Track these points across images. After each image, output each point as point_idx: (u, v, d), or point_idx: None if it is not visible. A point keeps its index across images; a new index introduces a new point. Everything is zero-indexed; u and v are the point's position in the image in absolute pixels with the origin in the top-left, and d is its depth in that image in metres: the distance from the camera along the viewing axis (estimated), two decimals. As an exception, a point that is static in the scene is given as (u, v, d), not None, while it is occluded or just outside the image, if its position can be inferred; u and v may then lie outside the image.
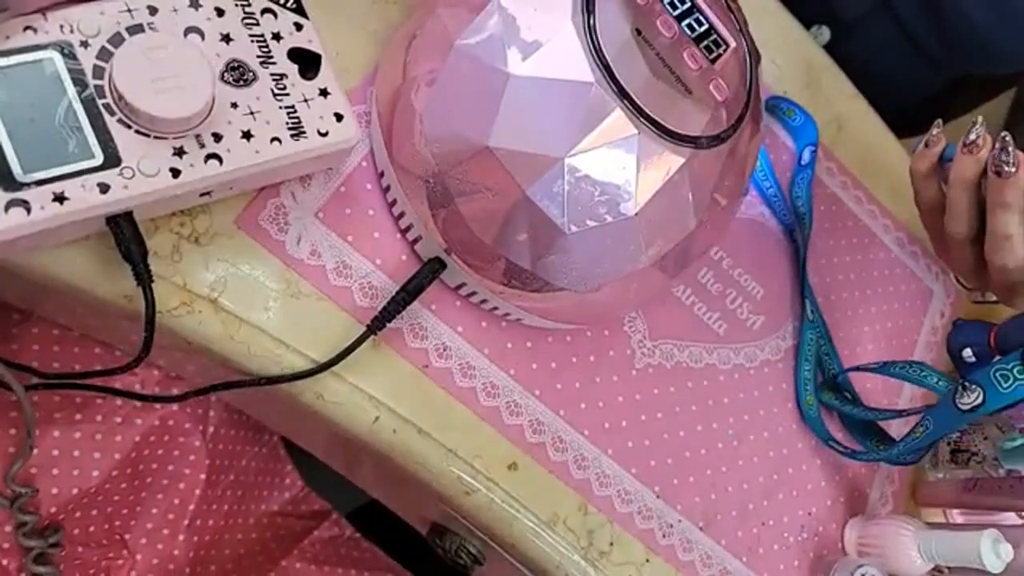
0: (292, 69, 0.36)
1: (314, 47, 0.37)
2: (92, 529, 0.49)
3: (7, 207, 0.30)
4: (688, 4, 0.37)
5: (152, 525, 0.52)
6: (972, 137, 0.45)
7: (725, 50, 0.38)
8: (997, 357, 0.46)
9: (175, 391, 0.49)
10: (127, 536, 0.51)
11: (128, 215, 0.33)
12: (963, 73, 0.83)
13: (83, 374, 0.39)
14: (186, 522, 0.53)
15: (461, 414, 0.42)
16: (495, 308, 0.43)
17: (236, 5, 0.36)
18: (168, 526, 0.53)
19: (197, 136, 0.33)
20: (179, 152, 0.33)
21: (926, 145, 0.50)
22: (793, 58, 0.65)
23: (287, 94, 0.36)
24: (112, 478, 0.49)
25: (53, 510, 0.47)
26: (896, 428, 0.58)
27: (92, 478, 0.48)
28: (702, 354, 0.52)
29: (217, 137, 0.34)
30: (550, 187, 0.35)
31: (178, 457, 0.52)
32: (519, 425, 0.44)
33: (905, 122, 0.74)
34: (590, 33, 0.34)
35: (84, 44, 0.32)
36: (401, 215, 0.41)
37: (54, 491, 0.47)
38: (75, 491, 0.47)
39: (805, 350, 0.56)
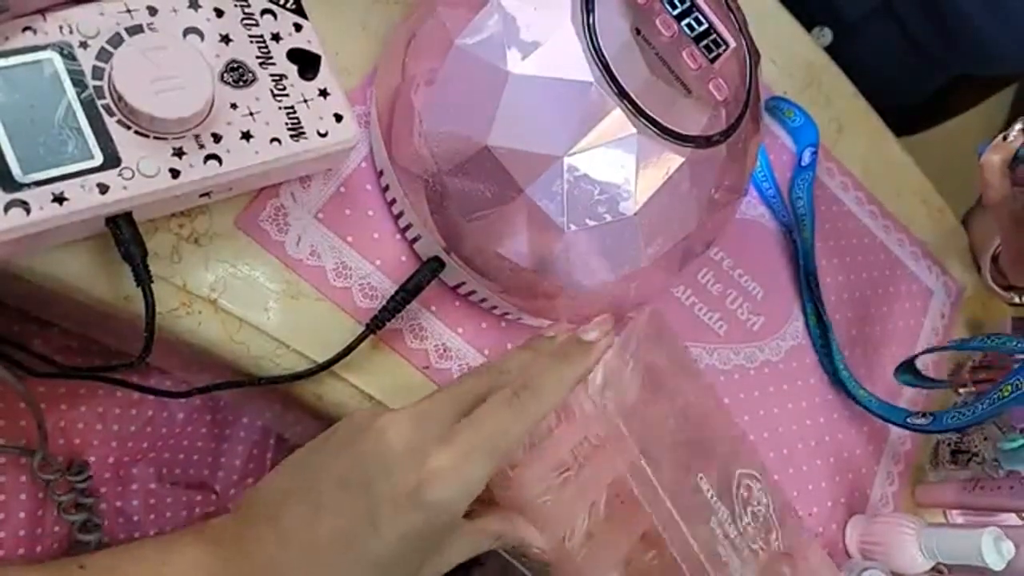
0: (291, 70, 0.36)
1: (313, 48, 0.37)
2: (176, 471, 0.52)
3: (7, 208, 0.30)
4: (688, 3, 0.37)
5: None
6: None
7: (725, 50, 0.38)
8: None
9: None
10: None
11: (127, 216, 0.33)
12: (963, 73, 0.83)
13: (89, 368, 0.40)
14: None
15: (461, 414, 0.42)
16: (495, 307, 0.43)
17: (235, 6, 0.36)
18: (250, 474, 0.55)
19: (196, 137, 0.33)
20: (178, 153, 0.33)
21: (1004, 138, 0.50)
22: (793, 58, 0.65)
23: (286, 95, 0.36)
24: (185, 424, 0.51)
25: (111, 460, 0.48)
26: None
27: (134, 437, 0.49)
28: (702, 354, 0.52)
29: (216, 138, 0.34)
30: (549, 186, 0.35)
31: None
32: (519, 425, 0.44)
33: (905, 122, 0.74)
34: (589, 32, 0.34)
35: (83, 45, 0.32)
36: (400, 215, 0.41)
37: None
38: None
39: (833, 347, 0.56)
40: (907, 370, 0.57)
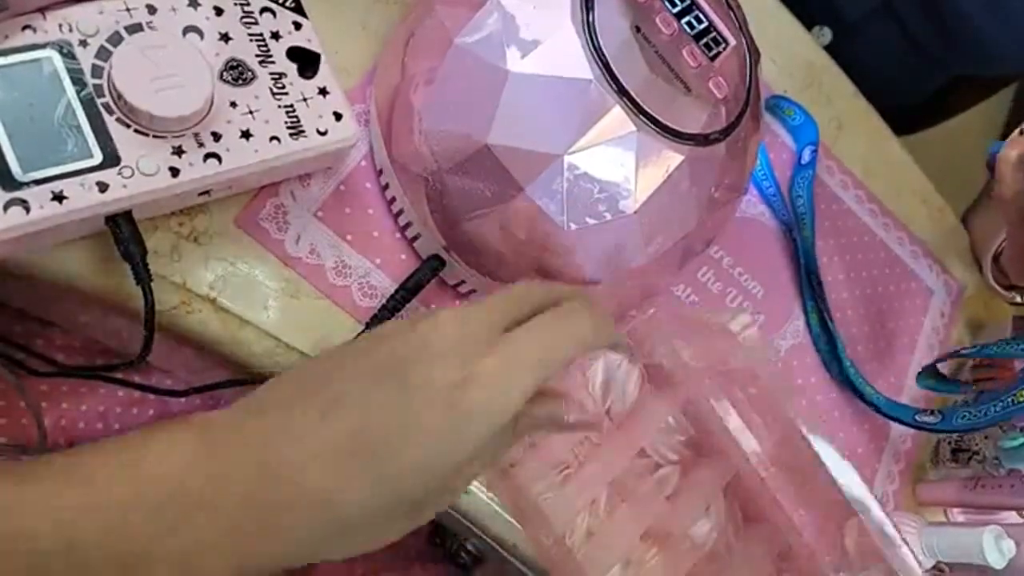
0: (291, 68, 0.36)
1: (313, 46, 0.37)
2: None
3: (6, 206, 0.30)
4: (688, 2, 0.37)
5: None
6: None
7: (724, 48, 0.38)
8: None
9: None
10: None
11: (127, 214, 0.33)
12: (963, 73, 0.83)
13: (89, 368, 0.40)
14: None
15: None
16: (495, 306, 0.42)
17: (235, 4, 0.36)
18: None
19: (196, 135, 0.33)
20: (178, 151, 0.33)
21: (1020, 133, 0.49)
22: (793, 57, 0.65)
23: (286, 93, 0.36)
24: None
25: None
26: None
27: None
28: (701, 354, 0.52)
29: (216, 136, 0.34)
30: (549, 185, 0.35)
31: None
32: (519, 424, 0.44)
33: (905, 122, 0.74)
34: (589, 30, 0.34)
35: (83, 43, 0.32)
36: (400, 213, 0.41)
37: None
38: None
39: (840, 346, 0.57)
40: (930, 374, 0.57)
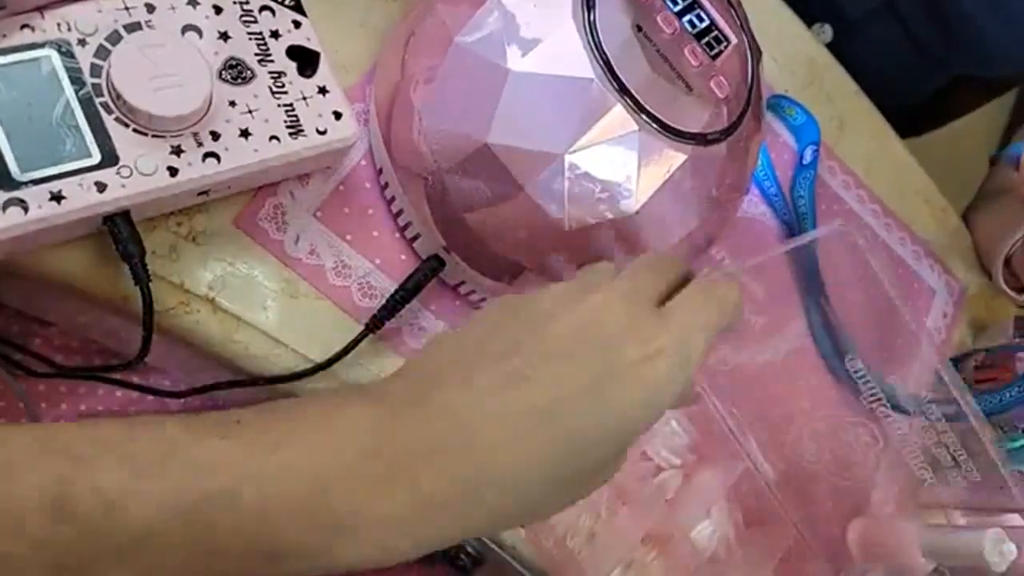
0: (290, 67, 0.36)
1: (312, 45, 0.37)
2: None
3: (4, 206, 0.30)
4: (689, 0, 0.37)
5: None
6: None
7: (726, 46, 0.38)
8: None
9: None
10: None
11: (125, 214, 0.32)
12: (965, 74, 0.83)
13: (87, 368, 0.39)
14: None
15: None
16: (495, 307, 0.42)
17: (234, 3, 0.35)
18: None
19: (195, 135, 0.33)
20: (177, 151, 0.33)
21: None
22: (795, 56, 0.64)
23: (285, 92, 0.35)
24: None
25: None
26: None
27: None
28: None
29: (215, 135, 0.33)
30: (550, 184, 0.35)
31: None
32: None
33: (906, 123, 0.74)
34: (590, 29, 0.34)
35: (81, 42, 0.32)
36: (400, 213, 0.40)
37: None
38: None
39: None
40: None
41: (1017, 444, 0.55)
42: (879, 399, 0.56)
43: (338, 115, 0.36)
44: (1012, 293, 0.64)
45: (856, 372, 0.56)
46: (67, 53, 0.32)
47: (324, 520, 0.25)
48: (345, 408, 0.27)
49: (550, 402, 0.27)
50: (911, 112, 0.86)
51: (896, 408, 0.56)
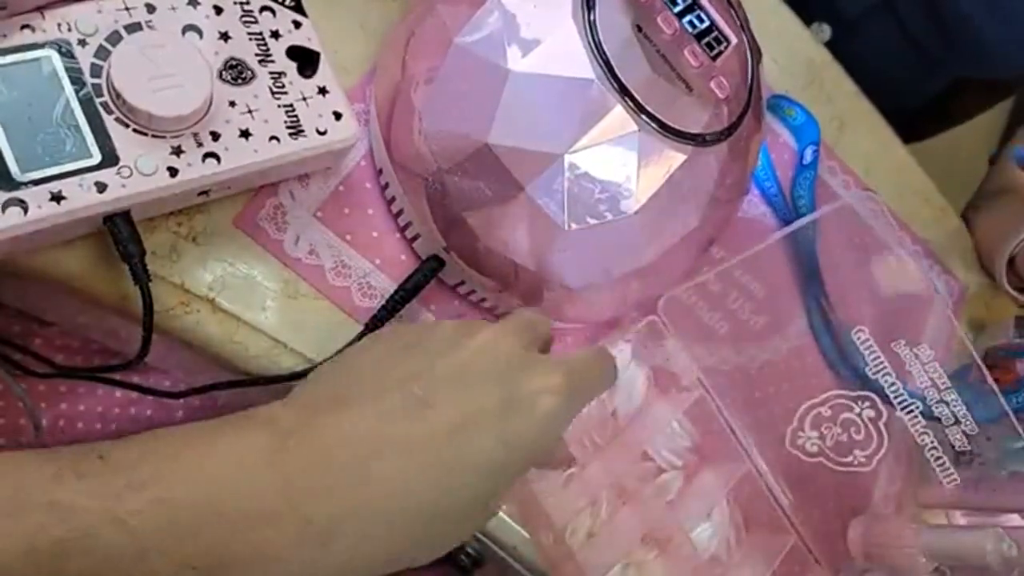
0: (291, 67, 0.36)
1: (313, 45, 0.37)
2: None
3: (4, 206, 0.29)
4: (689, 1, 0.37)
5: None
6: None
7: (726, 47, 0.38)
8: None
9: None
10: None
11: (125, 214, 0.32)
12: (963, 75, 0.83)
13: (87, 368, 0.39)
14: None
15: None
16: (494, 307, 0.42)
17: (234, 3, 0.35)
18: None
19: (195, 135, 0.33)
20: (177, 151, 0.33)
21: None
22: (795, 56, 0.64)
23: (285, 92, 0.35)
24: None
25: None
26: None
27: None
28: (702, 354, 0.52)
29: (215, 136, 0.33)
30: (550, 184, 0.35)
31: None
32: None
33: (905, 126, 0.74)
34: (590, 29, 0.34)
35: (82, 43, 0.32)
36: (400, 213, 0.40)
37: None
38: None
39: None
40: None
41: (1018, 445, 0.55)
42: (884, 370, 0.55)
43: (338, 115, 0.36)
44: (1015, 293, 0.64)
45: (863, 343, 0.55)
46: (67, 53, 0.32)
47: (202, 559, 0.24)
48: (229, 437, 0.26)
49: (453, 427, 0.27)
50: (912, 116, 0.86)
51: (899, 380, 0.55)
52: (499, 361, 0.29)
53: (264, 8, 0.36)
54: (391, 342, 0.31)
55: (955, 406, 0.52)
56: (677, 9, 0.37)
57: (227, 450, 0.25)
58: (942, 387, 0.51)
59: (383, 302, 0.40)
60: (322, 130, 0.36)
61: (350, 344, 0.38)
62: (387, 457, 0.26)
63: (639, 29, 0.35)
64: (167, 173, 0.32)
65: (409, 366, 0.29)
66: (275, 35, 0.36)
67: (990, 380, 0.54)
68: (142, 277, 0.33)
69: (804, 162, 0.61)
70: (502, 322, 0.31)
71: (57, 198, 0.30)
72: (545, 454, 0.30)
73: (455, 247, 0.38)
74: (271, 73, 0.35)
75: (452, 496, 0.27)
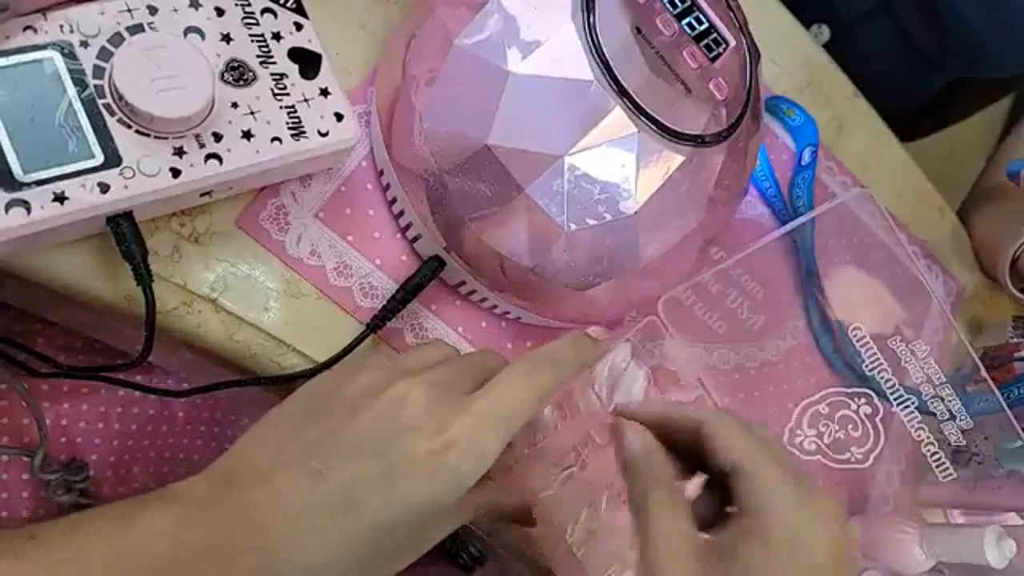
0: (292, 69, 0.36)
1: (314, 47, 0.37)
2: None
3: (7, 207, 0.30)
4: (688, 2, 0.37)
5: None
6: None
7: (725, 49, 0.38)
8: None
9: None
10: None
11: (128, 215, 0.33)
12: (961, 76, 0.83)
13: (89, 368, 0.39)
14: None
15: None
16: (495, 307, 0.43)
17: (236, 5, 0.36)
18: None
19: (197, 136, 0.33)
20: (179, 152, 0.33)
21: None
22: (793, 57, 0.65)
23: (287, 94, 0.36)
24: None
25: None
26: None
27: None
28: (701, 354, 0.52)
29: (217, 137, 0.34)
30: (550, 185, 0.35)
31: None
32: (520, 425, 0.44)
33: (903, 126, 0.74)
34: (590, 31, 0.34)
35: (84, 44, 0.32)
36: (401, 214, 0.41)
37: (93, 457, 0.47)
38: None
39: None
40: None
41: (1016, 444, 0.55)
42: (881, 366, 0.55)
43: (340, 117, 0.36)
44: (1017, 294, 0.64)
45: (860, 341, 0.55)
46: (70, 55, 0.32)
47: None
48: (143, 515, 0.28)
49: (345, 498, 0.28)
50: (910, 116, 0.87)
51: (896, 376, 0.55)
52: (398, 422, 0.30)
53: (266, 10, 0.36)
54: (310, 404, 0.32)
55: (950, 401, 0.52)
56: (676, 11, 0.37)
57: (143, 525, 0.27)
58: (937, 383, 0.51)
59: (384, 302, 0.40)
60: (324, 131, 0.36)
61: (352, 344, 0.39)
62: (285, 528, 0.28)
63: (638, 31, 0.35)
64: (170, 174, 0.32)
65: (314, 435, 0.30)
66: (277, 37, 0.36)
67: (985, 374, 0.54)
68: (145, 277, 0.33)
69: (802, 163, 0.61)
70: (429, 372, 0.32)
71: (60, 199, 0.30)
72: (454, 500, 0.29)
73: (456, 247, 0.38)
74: (273, 74, 0.36)
75: (357, 557, 0.29)
